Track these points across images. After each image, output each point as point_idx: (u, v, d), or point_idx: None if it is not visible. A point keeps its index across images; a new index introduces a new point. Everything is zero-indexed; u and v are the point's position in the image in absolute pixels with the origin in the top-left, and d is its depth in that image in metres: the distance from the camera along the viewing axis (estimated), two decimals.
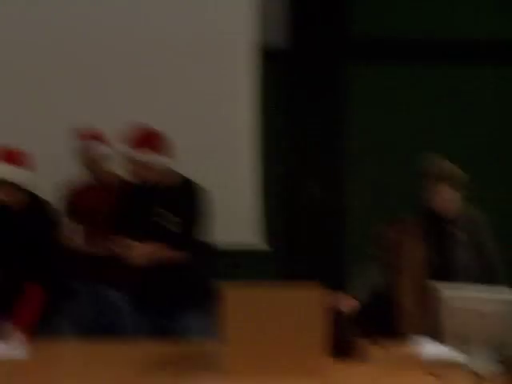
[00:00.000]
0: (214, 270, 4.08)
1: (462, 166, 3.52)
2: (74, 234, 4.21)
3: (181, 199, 3.84)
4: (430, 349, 3.21)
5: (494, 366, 2.93)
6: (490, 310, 2.99)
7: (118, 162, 4.01)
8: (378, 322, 3.48)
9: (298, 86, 5.20)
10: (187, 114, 4.75)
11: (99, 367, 3.19)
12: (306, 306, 2.96)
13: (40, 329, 3.49)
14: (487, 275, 3.53)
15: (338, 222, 5.20)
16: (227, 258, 4.67)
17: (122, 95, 4.86)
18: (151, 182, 3.79)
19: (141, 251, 3.69)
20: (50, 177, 4.22)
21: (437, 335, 3.18)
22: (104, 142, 4.33)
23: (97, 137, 4.32)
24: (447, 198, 3.53)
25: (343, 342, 3.17)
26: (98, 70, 4.88)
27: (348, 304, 3.38)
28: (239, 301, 2.97)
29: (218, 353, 2.99)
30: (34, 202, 3.71)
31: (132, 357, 3.30)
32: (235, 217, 4.77)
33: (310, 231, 5.18)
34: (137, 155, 3.72)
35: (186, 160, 3.84)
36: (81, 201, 4.37)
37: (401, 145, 5.26)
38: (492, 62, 5.34)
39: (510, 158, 5.38)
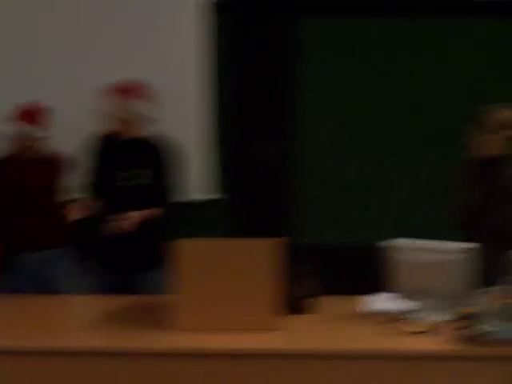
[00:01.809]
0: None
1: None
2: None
3: (152, 151, 3.97)
4: (384, 302, 3.22)
5: (446, 316, 2.96)
6: (441, 261, 3.02)
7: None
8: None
9: (249, 38, 5.10)
10: (135, 70, 4.53)
11: (51, 321, 3.19)
12: (258, 259, 2.94)
13: None
14: None
15: (289, 176, 5.17)
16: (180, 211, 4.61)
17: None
18: (126, 134, 3.95)
19: (131, 220, 3.83)
20: None
21: (390, 289, 3.19)
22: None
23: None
24: (499, 145, 3.63)
25: (296, 297, 3.17)
26: None
27: None
28: (192, 256, 2.94)
29: (172, 309, 2.97)
30: None
31: (82, 312, 3.30)
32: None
33: (262, 185, 5.14)
34: (120, 104, 3.89)
35: None
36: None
37: (355, 98, 5.21)
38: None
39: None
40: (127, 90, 3.95)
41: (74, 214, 3.97)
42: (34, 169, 4.08)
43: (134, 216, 3.84)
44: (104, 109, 3.94)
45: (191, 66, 4.78)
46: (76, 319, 3.25)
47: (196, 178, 4.69)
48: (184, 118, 4.70)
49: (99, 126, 4.01)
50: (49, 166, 4.12)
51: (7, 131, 4.01)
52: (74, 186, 4.13)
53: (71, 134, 4.17)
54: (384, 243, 3.17)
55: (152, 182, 3.94)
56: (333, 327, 3.06)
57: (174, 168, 3.99)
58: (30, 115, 3.99)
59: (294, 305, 3.16)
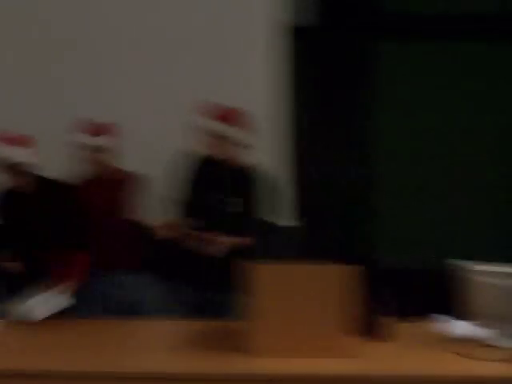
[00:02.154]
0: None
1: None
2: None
3: (247, 180, 3.92)
4: (457, 327, 3.17)
5: None
6: None
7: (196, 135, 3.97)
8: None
9: (327, 62, 5.11)
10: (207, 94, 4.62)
11: (128, 345, 3.22)
12: (334, 284, 2.93)
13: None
14: None
15: (364, 198, 5.14)
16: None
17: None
18: (223, 158, 3.87)
19: (221, 244, 3.79)
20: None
21: (464, 313, 3.14)
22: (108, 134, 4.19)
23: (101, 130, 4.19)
24: None
25: (370, 321, 3.15)
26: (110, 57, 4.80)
27: None
28: (268, 280, 2.94)
29: (248, 333, 2.97)
30: (45, 183, 3.78)
31: (160, 336, 3.33)
32: None
33: (336, 208, 5.13)
34: (218, 127, 3.82)
35: None
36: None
37: (431, 122, 5.17)
38: None
39: None
40: (229, 115, 3.90)
41: (163, 232, 3.94)
42: (110, 189, 4.13)
43: (225, 241, 3.81)
44: (199, 128, 3.89)
45: (267, 92, 4.77)
46: (153, 343, 3.25)
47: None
48: (261, 144, 4.71)
49: (192, 144, 3.96)
50: (124, 187, 4.15)
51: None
52: (152, 206, 4.13)
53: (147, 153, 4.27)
54: (460, 266, 3.12)
55: (243, 211, 3.89)
56: (409, 352, 3.01)
57: (266, 199, 3.92)
58: (101, 130, 4.05)
59: (370, 330, 3.13)
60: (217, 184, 3.93)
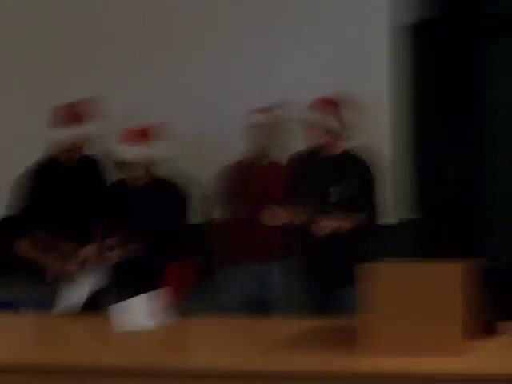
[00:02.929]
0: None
1: None
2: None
3: (359, 165, 3.90)
4: None
5: None
6: None
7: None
8: None
9: (439, 59, 4.96)
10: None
11: (240, 342, 3.25)
12: (451, 281, 2.89)
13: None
14: None
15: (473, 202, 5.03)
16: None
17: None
18: (325, 148, 3.88)
19: (327, 225, 3.71)
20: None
21: None
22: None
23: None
24: None
25: (488, 320, 3.10)
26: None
27: None
28: (385, 278, 2.91)
29: (364, 331, 2.95)
30: (161, 180, 3.83)
31: (277, 333, 3.32)
32: None
33: (455, 205, 4.97)
34: (320, 118, 3.83)
35: None
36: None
37: None
38: None
39: None
40: (335, 103, 3.91)
41: (279, 219, 3.80)
42: (264, 176, 4.16)
43: (330, 225, 3.72)
44: (312, 122, 3.89)
45: (384, 83, 4.71)
46: (273, 340, 3.24)
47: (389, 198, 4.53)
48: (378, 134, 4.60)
49: (307, 138, 3.97)
50: (276, 172, 4.14)
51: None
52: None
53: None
54: None
55: (358, 197, 3.85)
56: None
57: (377, 183, 3.93)
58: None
59: (486, 328, 3.08)
60: (331, 173, 3.90)
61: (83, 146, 3.95)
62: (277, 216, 3.74)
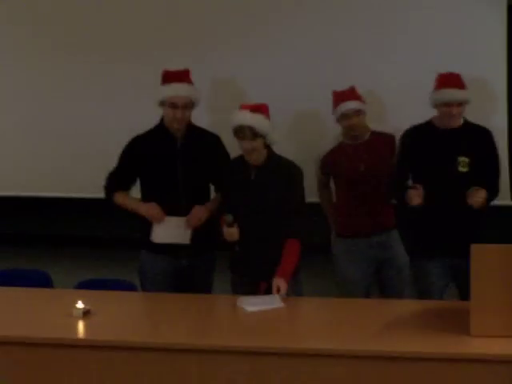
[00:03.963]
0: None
1: None
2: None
3: (476, 139, 3.93)
4: None
5: None
6: None
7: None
8: None
9: None
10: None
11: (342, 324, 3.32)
12: None
13: None
14: None
15: None
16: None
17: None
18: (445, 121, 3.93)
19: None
20: None
21: None
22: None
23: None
24: None
25: None
26: None
27: None
28: (486, 261, 2.96)
29: (465, 314, 3.02)
30: (278, 158, 3.83)
31: (388, 314, 3.41)
32: None
33: None
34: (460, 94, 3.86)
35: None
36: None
37: None
38: None
39: None
40: (457, 79, 3.92)
41: (415, 199, 3.78)
42: (374, 151, 4.13)
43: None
44: (452, 99, 3.87)
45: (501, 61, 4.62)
46: (384, 322, 3.31)
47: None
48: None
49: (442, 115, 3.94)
50: (386, 148, 4.16)
51: None
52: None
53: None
54: None
55: (485, 166, 3.90)
56: None
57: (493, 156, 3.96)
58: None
59: None
60: (450, 144, 3.92)
61: (190, 105, 3.92)
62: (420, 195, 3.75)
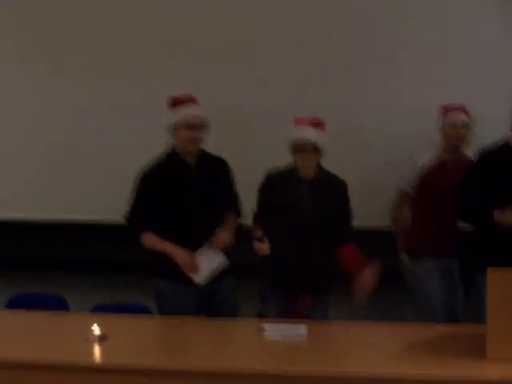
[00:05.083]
0: None
1: None
2: None
3: None
4: None
5: None
6: None
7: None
8: None
9: None
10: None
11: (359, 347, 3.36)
12: None
13: None
14: None
15: None
16: None
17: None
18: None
19: None
20: None
21: None
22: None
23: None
24: None
25: None
26: None
27: None
28: (502, 285, 2.96)
29: (481, 337, 3.02)
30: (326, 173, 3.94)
31: (396, 338, 3.43)
32: None
33: None
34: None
35: None
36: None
37: None
38: None
39: None
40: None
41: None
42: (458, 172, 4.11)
43: None
44: None
45: None
46: (404, 346, 3.32)
47: None
48: None
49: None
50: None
51: None
52: None
53: None
54: None
55: None
56: None
57: None
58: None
59: None
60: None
61: (201, 128, 3.90)
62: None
